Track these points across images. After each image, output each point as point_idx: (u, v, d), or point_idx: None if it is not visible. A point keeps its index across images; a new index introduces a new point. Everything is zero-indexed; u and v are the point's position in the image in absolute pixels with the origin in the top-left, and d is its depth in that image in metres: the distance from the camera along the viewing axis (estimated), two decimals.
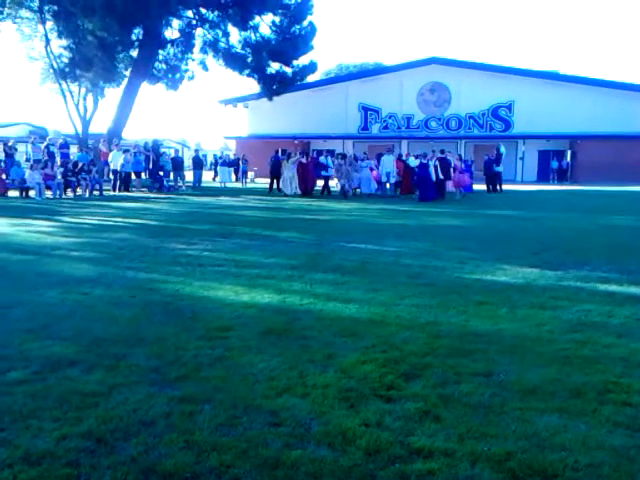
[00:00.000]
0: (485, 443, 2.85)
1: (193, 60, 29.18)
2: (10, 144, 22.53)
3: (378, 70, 44.10)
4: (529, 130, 36.16)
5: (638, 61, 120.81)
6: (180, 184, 24.17)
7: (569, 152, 36.60)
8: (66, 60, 26.84)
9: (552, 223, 12.52)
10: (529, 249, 8.71)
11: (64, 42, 26.82)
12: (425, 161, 19.80)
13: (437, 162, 19.80)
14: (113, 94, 30.34)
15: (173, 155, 26.97)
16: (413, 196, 19.65)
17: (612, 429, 3.00)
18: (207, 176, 31.58)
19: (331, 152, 27.77)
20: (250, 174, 32.30)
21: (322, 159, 22.54)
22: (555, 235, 10.52)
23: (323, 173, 21.82)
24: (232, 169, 30.33)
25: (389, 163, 21.21)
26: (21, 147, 29.11)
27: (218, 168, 27.98)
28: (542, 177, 36.46)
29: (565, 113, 35.37)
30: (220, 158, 29.89)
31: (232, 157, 36.09)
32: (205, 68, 28.92)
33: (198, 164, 27.09)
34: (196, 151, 30.39)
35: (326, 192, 21.39)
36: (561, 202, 19.23)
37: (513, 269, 7.14)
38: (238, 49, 28.17)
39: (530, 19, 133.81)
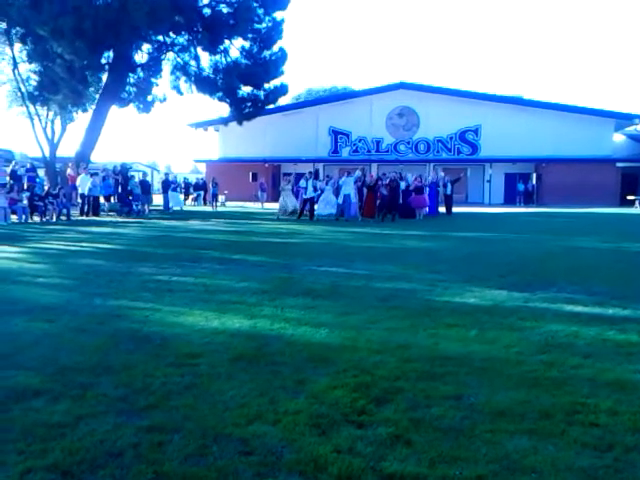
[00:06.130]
0: (456, 467, 2.86)
1: (158, 85, 29.23)
2: None
3: (348, 94, 44.69)
4: (495, 154, 36.94)
5: (599, 86, 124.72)
6: (145, 207, 23.88)
7: (534, 175, 37.44)
8: (34, 83, 26.58)
9: (519, 245, 12.73)
10: (496, 271, 8.83)
11: (32, 65, 26.60)
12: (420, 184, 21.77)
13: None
14: (82, 117, 29.98)
15: (140, 179, 26.61)
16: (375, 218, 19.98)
17: (580, 450, 3.04)
18: None
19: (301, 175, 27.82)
20: (221, 197, 32.20)
21: (302, 183, 22.15)
22: (522, 257, 10.69)
23: (304, 196, 21.60)
24: (177, 193, 29.16)
25: (348, 185, 20.91)
26: None
27: (169, 193, 26.63)
28: (509, 199, 37.16)
29: (530, 137, 36.27)
30: (173, 183, 28.41)
31: (199, 180, 35.95)
32: (179, 91, 28.93)
33: (168, 188, 26.87)
34: (166, 174, 30.19)
35: (307, 215, 20.75)
36: (527, 224, 19.60)
37: (481, 291, 7.22)
38: (208, 73, 28.29)
39: (495, 45, 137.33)
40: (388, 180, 21.03)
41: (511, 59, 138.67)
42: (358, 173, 22.14)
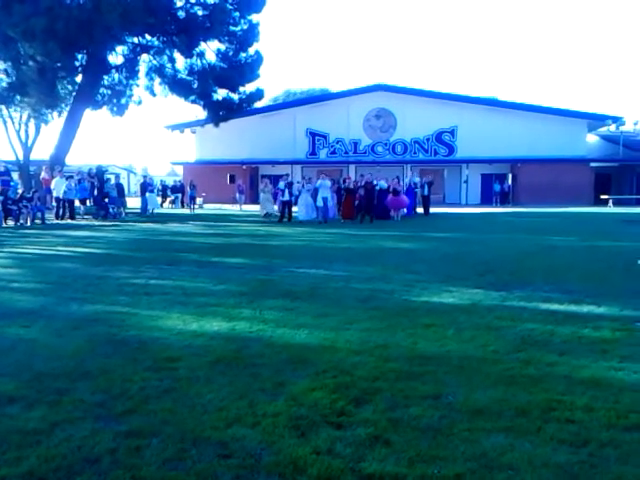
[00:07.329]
0: (435, 466, 2.88)
1: (138, 86, 28.96)
2: None
3: (325, 96, 44.80)
4: (472, 154, 37.27)
5: (573, 88, 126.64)
6: (122, 210, 23.61)
7: (510, 175, 37.88)
8: (5, 85, 26.16)
9: (496, 245, 12.86)
10: (474, 270, 8.91)
11: (2, 66, 26.14)
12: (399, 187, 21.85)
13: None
14: (56, 120, 29.56)
15: (114, 181, 26.22)
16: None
17: (556, 446, 3.08)
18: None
19: (279, 177, 27.77)
20: (199, 200, 32.02)
21: (281, 185, 22.01)
22: (499, 256, 10.80)
23: (281, 198, 21.41)
24: (155, 195, 28.60)
25: (325, 188, 20.89)
26: None
27: (147, 195, 25.92)
28: (485, 200, 37.54)
29: (505, 137, 36.69)
30: (149, 185, 27.53)
31: (176, 182, 35.54)
32: (152, 93, 28.70)
33: (146, 190, 26.56)
34: (144, 177, 29.90)
35: (287, 218, 20.67)
36: (504, 224, 19.80)
37: (459, 290, 7.28)
38: (184, 75, 28.11)
39: (470, 47, 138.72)
40: (364, 182, 21.01)
41: (486, 61, 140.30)
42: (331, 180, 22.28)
